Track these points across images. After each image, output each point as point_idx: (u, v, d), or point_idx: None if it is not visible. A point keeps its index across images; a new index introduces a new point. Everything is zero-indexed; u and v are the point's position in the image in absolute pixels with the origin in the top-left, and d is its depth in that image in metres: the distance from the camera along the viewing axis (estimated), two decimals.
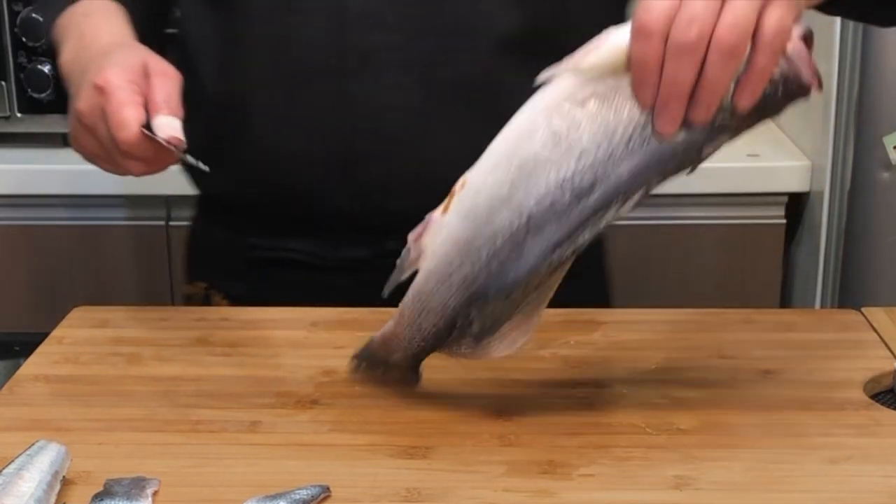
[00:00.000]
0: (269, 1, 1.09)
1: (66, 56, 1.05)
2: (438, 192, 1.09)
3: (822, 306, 1.80)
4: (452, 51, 1.08)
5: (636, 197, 0.81)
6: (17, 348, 1.06)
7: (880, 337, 1.04)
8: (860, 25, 1.65)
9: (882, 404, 0.92)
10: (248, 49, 1.11)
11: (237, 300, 1.20)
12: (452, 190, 0.85)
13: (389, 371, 0.92)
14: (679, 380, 0.96)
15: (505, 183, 0.82)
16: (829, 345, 1.03)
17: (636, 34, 0.77)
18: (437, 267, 0.85)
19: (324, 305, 1.14)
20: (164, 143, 0.92)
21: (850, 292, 1.74)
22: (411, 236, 0.87)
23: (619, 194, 0.80)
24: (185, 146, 0.93)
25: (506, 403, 0.92)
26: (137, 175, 0.97)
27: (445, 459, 0.84)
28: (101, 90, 0.94)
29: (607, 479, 0.82)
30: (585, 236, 0.82)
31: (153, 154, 0.94)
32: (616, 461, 0.84)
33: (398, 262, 0.87)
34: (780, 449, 0.85)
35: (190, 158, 0.95)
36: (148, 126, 0.93)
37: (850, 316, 1.09)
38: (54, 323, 1.09)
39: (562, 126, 0.80)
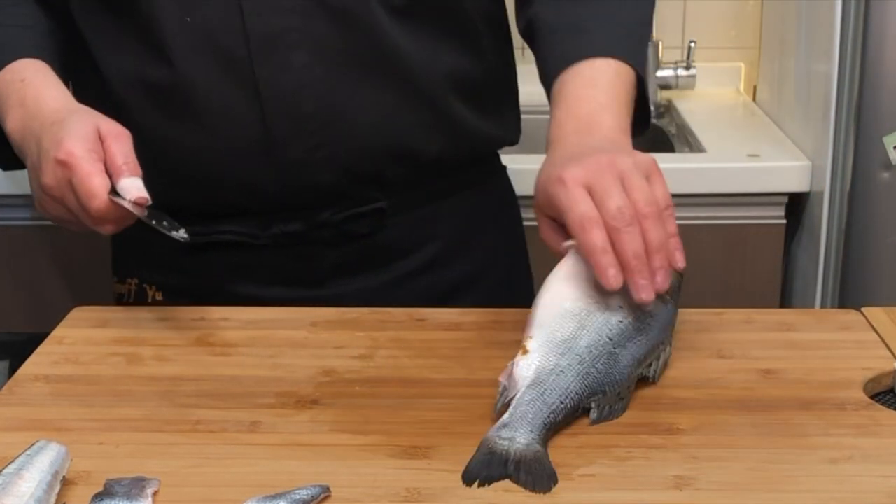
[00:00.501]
0: (170, 4, 1.10)
1: (13, 124, 1.08)
2: (357, 159, 1.13)
3: (822, 306, 1.80)
4: (350, 25, 1.11)
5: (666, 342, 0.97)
6: (17, 348, 1.06)
7: (880, 337, 1.04)
8: (860, 25, 1.65)
9: (882, 404, 0.92)
10: (159, 54, 1.11)
11: (173, 292, 1.22)
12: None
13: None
14: (679, 380, 0.96)
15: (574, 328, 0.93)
16: (829, 345, 1.03)
17: (580, 228, 0.92)
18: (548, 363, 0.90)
19: (262, 282, 1.17)
20: (132, 205, 0.99)
21: (850, 292, 1.74)
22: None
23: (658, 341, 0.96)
24: (149, 202, 0.99)
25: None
26: (106, 234, 1.03)
27: (445, 459, 0.84)
28: (64, 164, 0.99)
29: (607, 479, 0.82)
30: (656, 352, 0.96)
31: (123, 215, 1.01)
32: (616, 461, 0.84)
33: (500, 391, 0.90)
34: (780, 449, 0.85)
35: (177, 234, 1.00)
36: (113, 189, 0.99)
37: (850, 316, 1.09)
38: (54, 323, 1.09)
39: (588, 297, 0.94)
